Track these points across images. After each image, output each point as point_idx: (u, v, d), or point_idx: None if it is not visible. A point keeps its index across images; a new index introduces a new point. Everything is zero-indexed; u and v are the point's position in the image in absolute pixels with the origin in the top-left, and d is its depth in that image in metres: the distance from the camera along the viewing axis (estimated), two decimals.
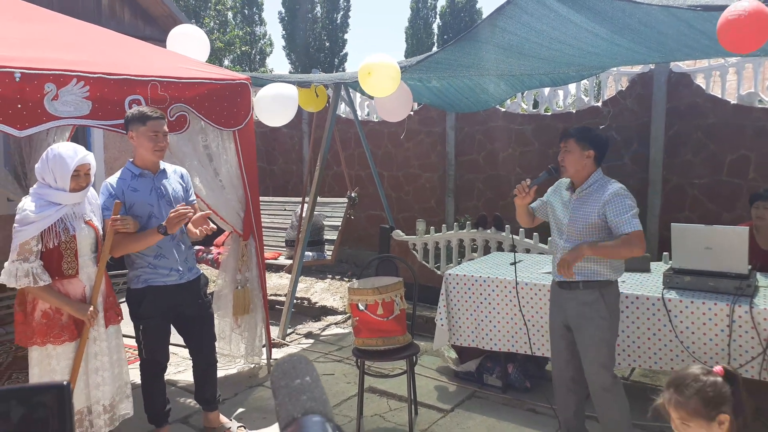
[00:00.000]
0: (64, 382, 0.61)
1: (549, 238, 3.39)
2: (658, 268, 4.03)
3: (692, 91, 5.74)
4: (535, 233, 5.11)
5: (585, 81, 6.26)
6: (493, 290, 3.92)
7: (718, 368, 1.74)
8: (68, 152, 2.74)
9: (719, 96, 5.64)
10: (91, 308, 2.84)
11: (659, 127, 5.87)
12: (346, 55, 24.27)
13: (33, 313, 2.79)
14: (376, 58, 4.28)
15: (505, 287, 3.88)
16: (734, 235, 3.36)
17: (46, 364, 2.81)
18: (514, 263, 3.92)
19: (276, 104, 4.67)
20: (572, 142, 2.96)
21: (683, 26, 3.24)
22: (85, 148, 2.90)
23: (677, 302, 3.31)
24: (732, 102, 5.55)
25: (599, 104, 6.30)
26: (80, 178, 2.77)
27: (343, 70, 22.44)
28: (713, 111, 5.63)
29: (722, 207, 5.62)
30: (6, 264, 2.70)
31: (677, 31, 3.37)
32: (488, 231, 5.44)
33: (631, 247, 2.79)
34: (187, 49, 4.54)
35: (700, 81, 5.76)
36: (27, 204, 2.71)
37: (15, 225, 2.68)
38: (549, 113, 6.68)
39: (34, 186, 2.81)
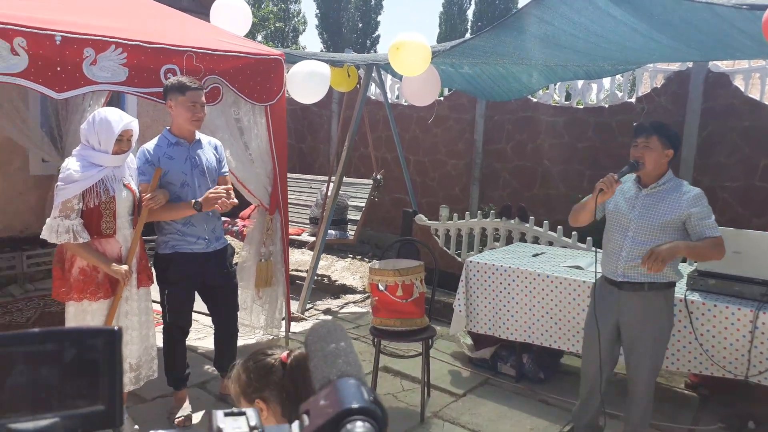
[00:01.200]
0: (116, 327, 0.64)
1: (583, 237, 3.33)
2: (683, 269, 3.98)
3: (730, 92, 5.62)
4: (559, 227, 5.09)
5: (619, 76, 6.17)
6: (513, 280, 3.92)
7: (283, 354, 1.60)
8: (114, 117, 2.82)
9: (757, 99, 5.51)
10: (126, 268, 2.93)
11: (693, 126, 5.76)
12: (378, 36, 24.16)
13: (71, 269, 2.89)
14: (408, 36, 4.25)
15: (526, 278, 3.88)
16: (764, 240, 3.31)
17: (82, 319, 2.92)
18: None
19: (309, 81, 4.68)
20: (655, 140, 2.82)
21: (726, 25, 3.17)
22: None
23: (700, 304, 3.28)
24: None
25: (633, 100, 6.20)
26: (123, 143, 2.85)
27: (375, 52, 22.34)
28: (750, 114, 5.51)
29: (753, 212, 5.52)
30: (48, 220, 2.80)
31: (719, 29, 3.30)
32: (512, 221, 5.42)
33: (718, 250, 2.78)
34: (231, 20, 4.57)
35: (738, 82, 5.64)
36: (71, 163, 2.79)
37: (58, 183, 2.77)
38: (581, 106, 6.59)
39: (78, 147, 2.89)
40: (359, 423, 0.55)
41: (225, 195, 3.11)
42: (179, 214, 3.13)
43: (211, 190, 3.11)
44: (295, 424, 0.61)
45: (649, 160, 2.83)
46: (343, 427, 0.55)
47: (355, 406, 0.56)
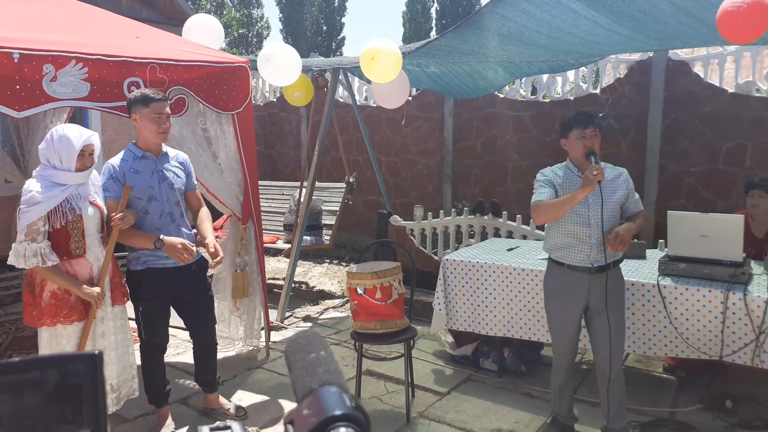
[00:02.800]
0: (96, 352, 0.64)
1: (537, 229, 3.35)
2: (654, 255, 4.06)
3: (690, 79, 5.75)
4: (531, 220, 5.13)
5: (583, 68, 6.27)
6: (490, 276, 3.95)
7: None
8: (74, 133, 2.77)
9: (717, 84, 5.64)
10: (98, 290, 2.87)
11: (657, 114, 5.88)
12: (343, 38, 24.08)
13: (41, 293, 2.82)
14: (380, 44, 4.26)
15: (502, 273, 3.91)
16: (730, 223, 3.39)
17: (56, 344, 2.85)
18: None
19: (286, 61, 4.58)
20: (598, 130, 3.04)
21: (682, 15, 3.25)
22: None
23: (672, 289, 3.35)
24: (730, 90, 5.56)
25: (597, 91, 6.30)
26: (85, 158, 2.80)
27: (341, 54, 22.32)
28: (711, 99, 5.64)
29: (718, 195, 5.65)
30: (14, 245, 2.72)
31: (676, 19, 3.37)
32: (485, 217, 5.47)
33: (644, 222, 3.10)
34: (204, 39, 4.50)
35: (698, 69, 5.77)
36: (32, 185, 2.72)
37: (21, 206, 2.70)
38: (547, 100, 6.67)
39: (38, 168, 2.82)
40: (342, 429, 0.57)
41: (188, 256, 3.10)
42: (140, 242, 3.08)
43: (181, 242, 3.07)
44: None
45: (599, 148, 3.01)
46: None
47: (338, 413, 0.58)
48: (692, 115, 5.75)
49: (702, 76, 5.72)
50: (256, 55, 4.63)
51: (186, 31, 4.70)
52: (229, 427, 0.67)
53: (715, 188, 5.67)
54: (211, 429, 0.66)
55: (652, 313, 3.42)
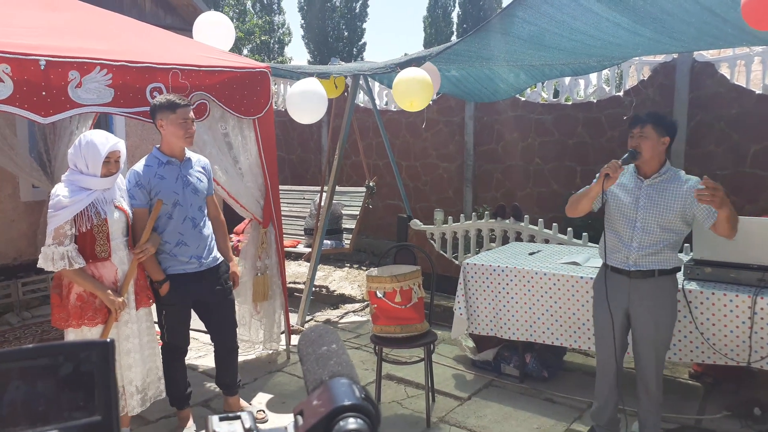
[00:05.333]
0: (108, 339, 0.66)
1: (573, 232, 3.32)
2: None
3: (716, 81, 5.65)
4: (554, 224, 5.09)
5: (606, 70, 6.19)
6: (512, 280, 3.92)
7: None
8: (100, 139, 2.82)
9: (743, 86, 5.54)
10: (121, 299, 2.91)
11: (681, 117, 5.78)
12: (364, 44, 24.19)
13: (68, 296, 2.87)
14: (412, 78, 4.31)
15: (524, 277, 3.87)
16: (758, 226, 3.31)
17: None
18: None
19: (308, 102, 4.65)
20: (650, 128, 2.87)
21: (707, 14, 3.19)
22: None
23: (698, 293, 3.28)
24: (757, 92, 5.45)
25: (621, 94, 6.22)
26: (111, 165, 2.85)
27: (362, 59, 22.39)
28: (737, 101, 5.54)
29: (745, 199, 5.54)
30: (43, 248, 2.79)
31: (701, 19, 3.31)
32: (507, 221, 5.42)
33: (736, 228, 2.78)
34: (214, 36, 4.56)
35: (724, 70, 5.67)
36: (60, 190, 2.79)
37: (49, 210, 2.77)
38: (569, 103, 6.61)
39: (66, 173, 2.88)
40: (351, 420, 0.57)
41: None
42: (150, 270, 3.14)
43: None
44: (290, 424, 0.63)
45: (645, 148, 2.87)
46: (336, 424, 0.57)
47: (347, 403, 0.58)
48: (718, 117, 5.65)
49: (728, 77, 5.62)
50: (279, 62, 4.67)
51: (196, 29, 4.74)
52: (239, 416, 0.68)
53: (742, 192, 5.56)
54: (221, 418, 0.67)
55: (677, 318, 3.35)
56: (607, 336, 3.05)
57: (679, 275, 3.46)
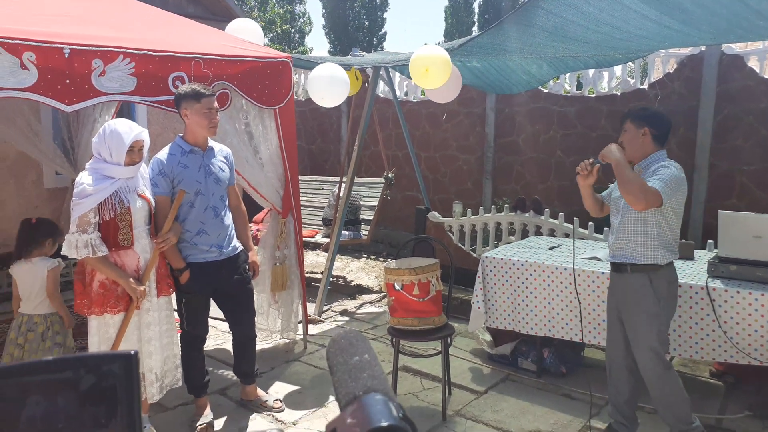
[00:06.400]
0: (132, 352, 0.62)
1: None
2: (702, 256, 3.92)
3: (744, 74, 5.52)
4: (575, 218, 5.03)
5: (630, 63, 6.09)
6: (531, 274, 3.88)
7: None
8: (124, 128, 2.83)
9: None
10: (142, 288, 2.93)
11: (708, 110, 5.67)
12: (385, 34, 24.06)
13: (91, 283, 2.91)
14: (428, 51, 4.26)
15: (543, 272, 3.83)
16: None
17: (104, 332, 2.94)
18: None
19: (330, 85, 4.64)
20: (628, 122, 2.93)
21: (738, 5, 3.10)
22: None
23: (722, 291, 3.22)
24: None
25: (645, 87, 6.12)
26: (134, 154, 2.87)
27: (382, 50, 22.28)
28: (766, 95, 5.41)
29: None
30: (67, 236, 2.82)
31: (731, 11, 3.22)
32: (527, 215, 5.37)
33: (641, 191, 2.69)
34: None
35: (753, 63, 5.53)
36: (84, 178, 2.81)
37: (73, 198, 2.79)
38: (593, 95, 6.52)
39: (90, 161, 2.90)
40: None
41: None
42: (171, 259, 3.16)
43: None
44: None
45: (626, 142, 2.94)
46: None
47: (384, 424, 0.55)
48: (746, 111, 5.52)
49: (757, 70, 5.49)
50: (299, 51, 4.68)
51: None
52: None
53: None
54: None
55: (700, 316, 3.30)
56: (609, 334, 3.15)
57: (703, 272, 3.42)
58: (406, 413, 0.57)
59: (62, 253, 2.84)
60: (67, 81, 2.91)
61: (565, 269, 3.75)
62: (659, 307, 2.87)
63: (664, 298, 2.89)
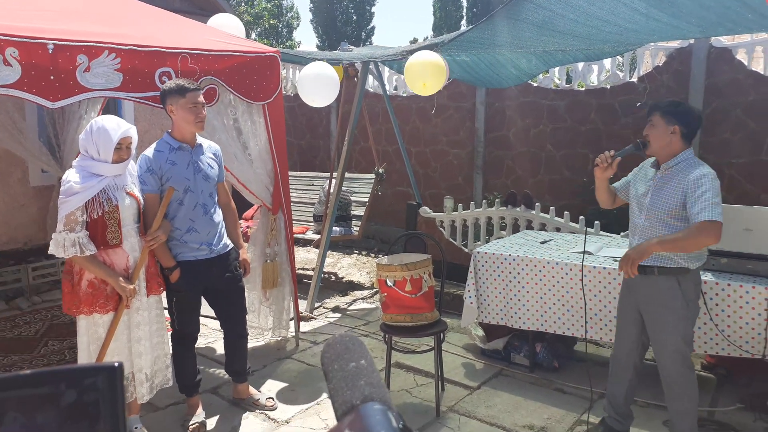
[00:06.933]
0: (116, 364, 0.58)
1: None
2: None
3: (733, 67, 5.54)
4: (566, 212, 5.03)
5: (619, 56, 6.09)
6: (523, 269, 3.88)
7: None
8: (112, 125, 2.78)
9: (761, 72, 5.43)
10: (132, 287, 2.89)
11: (697, 103, 5.68)
12: (373, 28, 24.05)
13: (80, 283, 2.86)
14: (425, 66, 4.26)
15: (535, 266, 3.83)
16: None
17: (93, 332, 2.89)
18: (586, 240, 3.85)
19: (319, 85, 4.60)
20: (657, 116, 2.78)
21: None
22: None
23: (713, 284, 3.23)
24: None
25: (635, 80, 6.12)
26: (122, 151, 2.81)
27: (371, 43, 22.22)
28: (754, 88, 5.43)
29: (761, 188, 5.45)
30: (54, 234, 2.77)
31: (720, 3, 3.22)
32: (518, 209, 5.37)
33: (700, 237, 2.60)
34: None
35: (741, 56, 5.55)
36: (71, 175, 2.76)
37: (60, 196, 2.74)
38: (582, 89, 6.52)
39: (77, 158, 2.85)
40: None
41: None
42: (161, 257, 3.11)
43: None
44: None
45: (652, 137, 2.80)
46: None
47: None
48: (734, 104, 5.55)
49: (745, 63, 5.51)
50: (287, 46, 4.64)
51: None
52: None
53: (758, 180, 5.47)
54: None
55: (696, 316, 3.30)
56: (621, 331, 3.07)
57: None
58: (406, 423, 0.54)
59: (50, 251, 2.78)
60: (52, 77, 2.86)
61: (557, 263, 3.75)
62: (687, 310, 2.80)
63: (692, 300, 2.83)
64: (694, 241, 2.64)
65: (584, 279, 3.65)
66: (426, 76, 4.24)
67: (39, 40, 2.82)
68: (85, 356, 2.92)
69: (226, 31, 4.39)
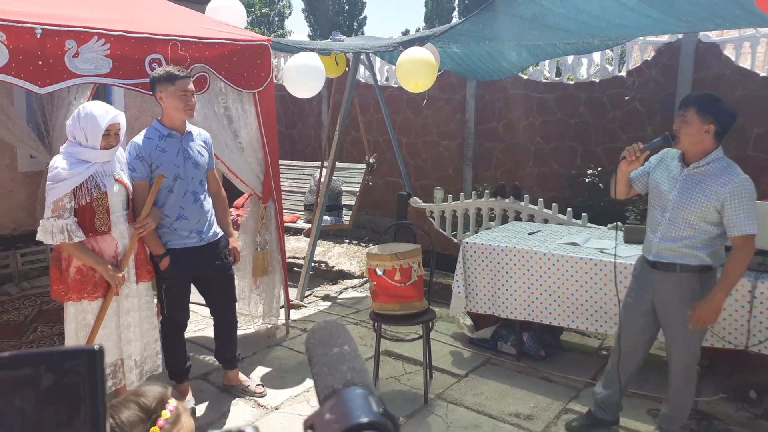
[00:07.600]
0: (96, 347, 0.57)
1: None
2: None
3: (720, 62, 5.59)
4: (554, 204, 5.08)
5: (609, 50, 6.12)
6: (510, 259, 3.91)
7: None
8: (100, 111, 2.76)
9: (748, 68, 5.48)
10: (120, 275, 2.89)
11: None
12: (365, 19, 23.95)
13: (68, 269, 2.85)
14: (416, 65, 4.26)
15: (523, 257, 3.87)
16: (759, 210, 3.28)
17: (82, 318, 2.89)
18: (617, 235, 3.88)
19: (305, 76, 4.58)
20: (692, 112, 2.63)
21: None
22: None
23: None
24: (761, 74, 5.40)
25: (624, 74, 6.16)
26: (111, 137, 2.80)
27: (362, 33, 22.12)
28: (741, 83, 5.48)
29: None
30: (41, 221, 2.75)
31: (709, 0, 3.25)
32: (507, 200, 5.41)
33: (749, 257, 2.59)
34: (226, 21, 4.50)
35: (729, 52, 5.60)
36: (58, 162, 2.74)
37: (48, 183, 2.72)
38: (572, 82, 6.55)
39: (65, 144, 2.83)
40: None
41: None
42: (150, 245, 3.11)
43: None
44: None
45: (684, 134, 2.67)
46: None
47: (364, 420, 0.52)
48: (722, 98, 5.59)
49: (733, 59, 5.56)
50: (278, 35, 4.62)
51: (209, 13, 4.68)
52: (243, 431, 0.63)
53: None
54: None
55: None
56: (628, 324, 2.98)
57: None
58: (387, 408, 0.55)
59: (37, 238, 2.77)
60: (40, 62, 2.84)
61: (545, 254, 3.79)
62: None
63: None
64: (740, 264, 2.62)
65: (571, 270, 3.69)
66: (417, 75, 4.25)
67: (27, 24, 2.79)
68: (73, 343, 2.92)
69: (225, 16, 4.37)
